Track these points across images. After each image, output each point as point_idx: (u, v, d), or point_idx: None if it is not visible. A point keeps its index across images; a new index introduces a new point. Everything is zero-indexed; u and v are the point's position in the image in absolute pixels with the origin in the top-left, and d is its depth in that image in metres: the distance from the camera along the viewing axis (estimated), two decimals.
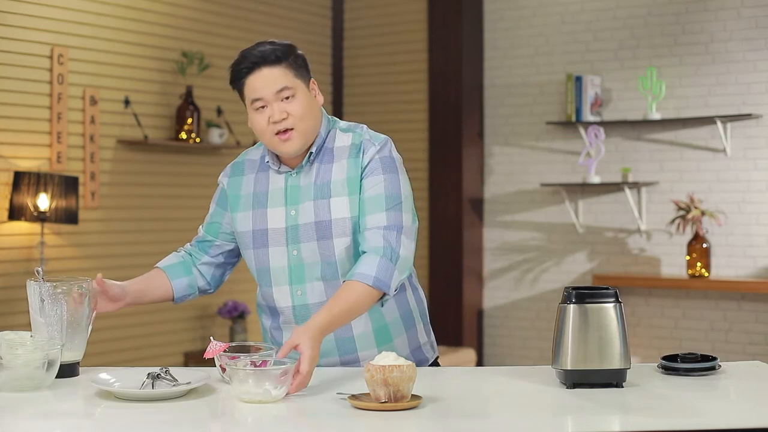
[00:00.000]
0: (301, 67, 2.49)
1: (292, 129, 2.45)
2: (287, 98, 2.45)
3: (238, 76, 2.47)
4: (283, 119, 2.44)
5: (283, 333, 2.57)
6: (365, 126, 2.58)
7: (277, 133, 2.45)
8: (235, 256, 2.70)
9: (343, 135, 2.54)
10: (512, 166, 6.21)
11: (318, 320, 2.30)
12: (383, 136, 2.55)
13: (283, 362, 2.19)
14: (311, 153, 2.50)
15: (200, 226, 2.71)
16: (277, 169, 2.54)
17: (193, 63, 5.61)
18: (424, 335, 2.65)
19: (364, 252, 2.43)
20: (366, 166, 2.48)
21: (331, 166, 2.50)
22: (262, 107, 2.45)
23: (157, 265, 2.66)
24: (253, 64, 2.44)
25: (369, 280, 2.37)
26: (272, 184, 2.55)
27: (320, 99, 2.54)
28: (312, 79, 2.53)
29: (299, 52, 2.52)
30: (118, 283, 2.50)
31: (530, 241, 6.13)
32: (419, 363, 2.56)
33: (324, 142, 2.53)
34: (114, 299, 2.48)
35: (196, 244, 2.69)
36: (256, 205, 2.56)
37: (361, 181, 2.48)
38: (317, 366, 2.33)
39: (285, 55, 2.46)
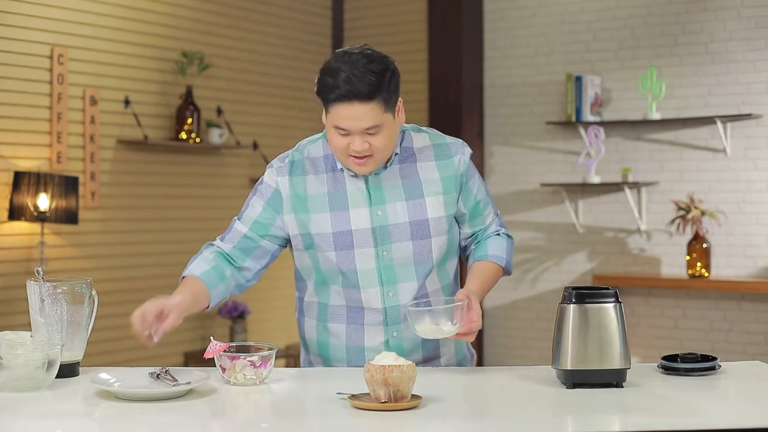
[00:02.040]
0: (392, 93, 2.41)
1: (370, 156, 2.42)
2: (372, 134, 2.40)
3: (326, 97, 2.38)
4: (364, 149, 2.39)
5: (365, 334, 2.52)
6: (433, 128, 2.66)
7: (352, 156, 2.42)
8: (273, 257, 2.58)
9: (417, 135, 2.58)
10: (512, 166, 6.21)
11: (473, 287, 2.47)
12: (458, 139, 2.63)
13: (452, 302, 2.38)
14: (396, 154, 2.51)
15: (237, 222, 2.55)
16: (353, 174, 2.48)
17: (193, 63, 5.61)
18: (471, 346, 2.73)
19: (490, 236, 2.63)
20: (465, 169, 2.57)
21: (415, 166, 2.53)
22: (345, 134, 2.39)
23: (189, 272, 2.47)
24: (344, 97, 2.34)
25: (503, 262, 2.60)
26: (350, 185, 2.49)
27: (402, 117, 2.49)
28: (399, 99, 2.46)
29: (393, 71, 2.41)
30: (170, 303, 2.33)
31: (530, 241, 6.13)
32: None
33: (401, 143, 2.53)
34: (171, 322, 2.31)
35: (238, 245, 2.52)
36: (335, 206, 2.48)
37: (462, 183, 2.56)
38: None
39: (379, 88, 2.35)
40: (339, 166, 2.50)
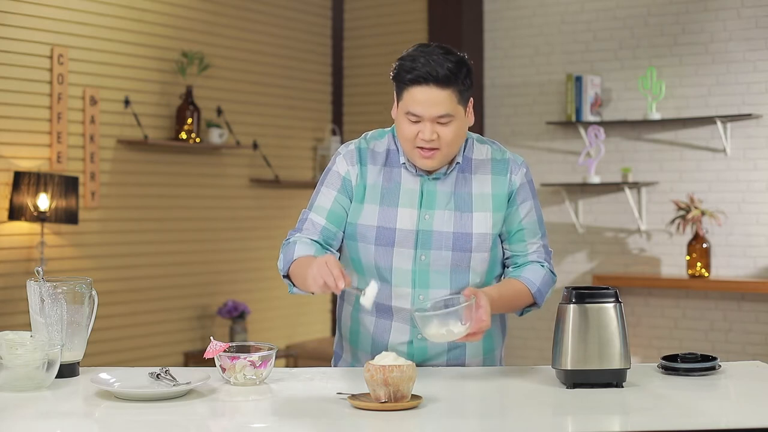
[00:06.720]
0: (467, 88, 2.42)
1: (437, 149, 2.42)
2: (443, 123, 2.41)
3: (403, 79, 2.40)
4: (432, 140, 2.40)
5: (392, 330, 2.53)
6: (497, 142, 2.64)
7: (419, 147, 2.43)
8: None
9: (480, 146, 2.56)
10: None
11: (489, 291, 2.40)
12: (520, 156, 2.60)
13: (459, 303, 2.31)
14: (457, 163, 2.50)
15: (310, 213, 2.54)
16: (414, 171, 2.50)
17: (193, 63, 5.61)
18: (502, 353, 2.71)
19: (531, 263, 2.55)
20: (517, 188, 2.54)
21: (470, 177, 2.51)
22: (416, 121, 2.41)
23: (297, 255, 2.45)
24: (423, 79, 2.37)
25: (533, 288, 2.52)
26: (405, 184, 2.51)
27: (471, 119, 2.49)
28: (471, 99, 2.47)
29: (469, 67, 2.43)
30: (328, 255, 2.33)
31: None
32: None
33: (463, 151, 2.52)
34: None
35: (322, 236, 2.52)
36: (385, 201, 2.50)
37: (510, 201, 2.52)
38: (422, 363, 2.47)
39: (456, 77, 2.38)
40: (402, 160, 2.51)
